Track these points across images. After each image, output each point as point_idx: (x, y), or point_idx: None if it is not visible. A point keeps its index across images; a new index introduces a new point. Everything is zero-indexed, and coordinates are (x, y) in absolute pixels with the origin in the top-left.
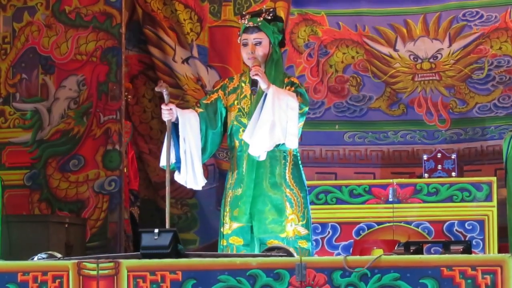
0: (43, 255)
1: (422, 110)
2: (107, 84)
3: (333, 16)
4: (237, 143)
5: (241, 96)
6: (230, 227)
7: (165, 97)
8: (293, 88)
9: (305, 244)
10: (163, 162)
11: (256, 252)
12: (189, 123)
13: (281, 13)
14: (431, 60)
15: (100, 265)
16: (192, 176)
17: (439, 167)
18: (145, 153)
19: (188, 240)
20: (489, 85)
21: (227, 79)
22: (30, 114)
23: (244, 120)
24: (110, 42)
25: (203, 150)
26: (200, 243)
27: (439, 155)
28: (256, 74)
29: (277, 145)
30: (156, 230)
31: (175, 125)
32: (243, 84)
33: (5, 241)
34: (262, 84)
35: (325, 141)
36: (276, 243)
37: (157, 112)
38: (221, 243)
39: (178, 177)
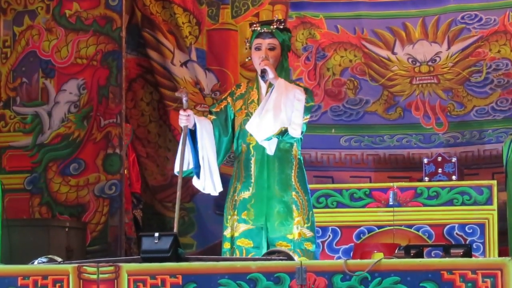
0: (44, 259)
1: (420, 114)
2: (107, 88)
3: (331, 19)
4: (244, 147)
5: (249, 102)
6: (237, 229)
7: (184, 103)
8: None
9: (310, 246)
10: (177, 168)
11: None
12: (206, 130)
13: (279, 16)
14: (430, 63)
15: (101, 269)
16: (210, 182)
17: (440, 170)
18: (143, 157)
19: (185, 244)
20: (487, 88)
21: (234, 86)
22: (30, 118)
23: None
24: (111, 46)
25: (217, 156)
26: (197, 247)
27: (439, 159)
28: (265, 64)
29: (282, 134)
30: (157, 234)
31: (191, 132)
32: (250, 90)
33: (5, 245)
34: (270, 74)
35: (321, 144)
36: (284, 244)
37: (155, 116)
38: (224, 246)
39: (197, 183)
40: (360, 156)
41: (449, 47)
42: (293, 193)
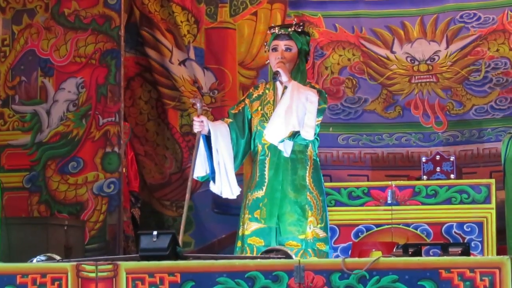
0: (42, 257)
1: (419, 112)
2: (106, 87)
3: (330, 17)
4: (260, 147)
5: (265, 102)
6: (248, 228)
7: (198, 109)
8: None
9: (323, 247)
10: (197, 173)
11: None
12: (221, 135)
13: (278, 15)
14: (428, 62)
15: (99, 267)
16: (227, 186)
17: (438, 169)
18: (141, 155)
19: (183, 243)
20: (486, 87)
21: (252, 87)
22: (29, 117)
23: (266, 125)
24: (109, 44)
25: (235, 158)
26: (195, 245)
27: (437, 157)
28: (279, 67)
29: (294, 136)
30: (155, 233)
31: (207, 138)
32: (267, 91)
33: (4, 243)
34: (283, 77)
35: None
36: (294, 244)
37: (153, 114)
38: (237, 245)
39: (213, 187)
40: (357, 155)
41: (447, 46)
42: (307, 193)
